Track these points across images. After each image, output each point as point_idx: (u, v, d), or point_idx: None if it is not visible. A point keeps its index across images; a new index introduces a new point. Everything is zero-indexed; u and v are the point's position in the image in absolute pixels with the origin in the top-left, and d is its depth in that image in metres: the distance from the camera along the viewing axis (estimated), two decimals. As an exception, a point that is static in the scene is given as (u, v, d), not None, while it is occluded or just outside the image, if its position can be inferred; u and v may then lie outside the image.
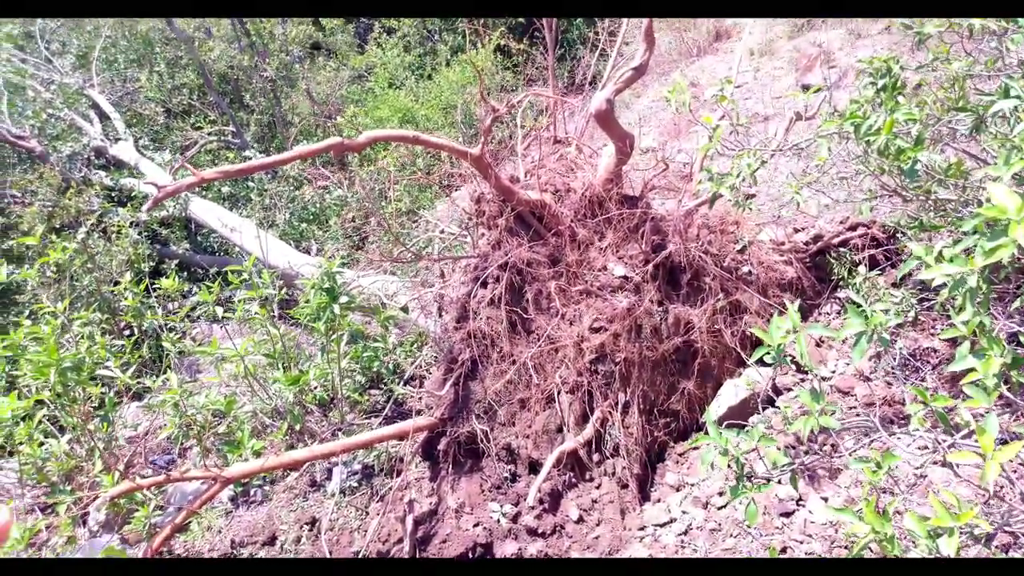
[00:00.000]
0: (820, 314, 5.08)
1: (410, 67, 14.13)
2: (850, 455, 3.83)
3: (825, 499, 3.55)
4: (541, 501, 3.70)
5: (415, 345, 5.47)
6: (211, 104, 11.80)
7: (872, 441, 3.81)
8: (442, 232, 5.51)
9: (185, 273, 8.29)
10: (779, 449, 2.54)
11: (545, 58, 12.66)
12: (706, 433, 2.54)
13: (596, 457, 4.00)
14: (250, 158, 10.41)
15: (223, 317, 5.27)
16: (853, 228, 5.08)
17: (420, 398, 4.80)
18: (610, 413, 4.05)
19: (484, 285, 4.06)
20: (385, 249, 5.26)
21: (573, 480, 3.89)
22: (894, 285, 4.73)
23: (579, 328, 4.05)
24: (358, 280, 5.68)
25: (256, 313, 4.63)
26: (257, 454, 4.29)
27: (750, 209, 3.43)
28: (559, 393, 3.97)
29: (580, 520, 3.70)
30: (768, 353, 2.40)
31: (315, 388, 4.62)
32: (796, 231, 5.32)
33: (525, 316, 4.03)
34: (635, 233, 4.40)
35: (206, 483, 3.70)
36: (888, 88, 3.57)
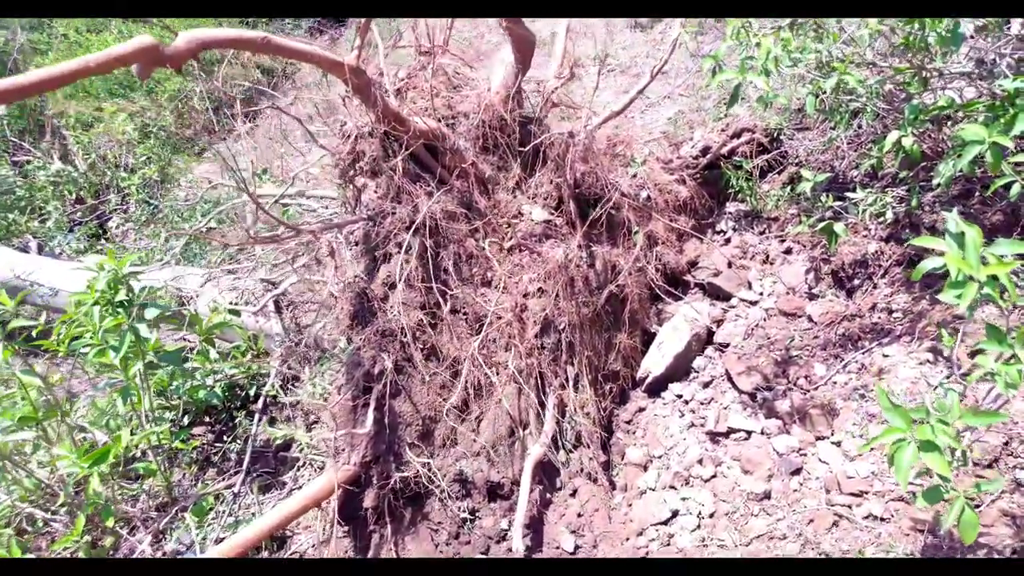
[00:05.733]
0: (715, 233, 4.61)
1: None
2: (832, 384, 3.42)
3: (838, 443, 3.05)
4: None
5: (248, 352, 3.99)
6: None
7: (846, 364, 3.40)
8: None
9: None
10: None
11: None
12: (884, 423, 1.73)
13: (561, 456, 3.09)
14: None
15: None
16: (737, 135, 4.62)
17: (290, 412, 3.48)
18: (565, 394, 3.15)
19: (387, 258, 2.82)
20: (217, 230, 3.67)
21: (547, 495, 2.94)
22: (786, 186, 4.38)
23: (515, 295, 3.04)
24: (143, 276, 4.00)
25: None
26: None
27: (769, 104, 2.64)
28: (505, 385, 2.95)
29: (576, 548, 2.78)
30: (965, 290, 1.61)
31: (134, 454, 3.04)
32: (678, 145, 4.75)
33: (448, 292, 2.89)
34: (545, 164, 3.44)
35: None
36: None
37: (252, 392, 3.91)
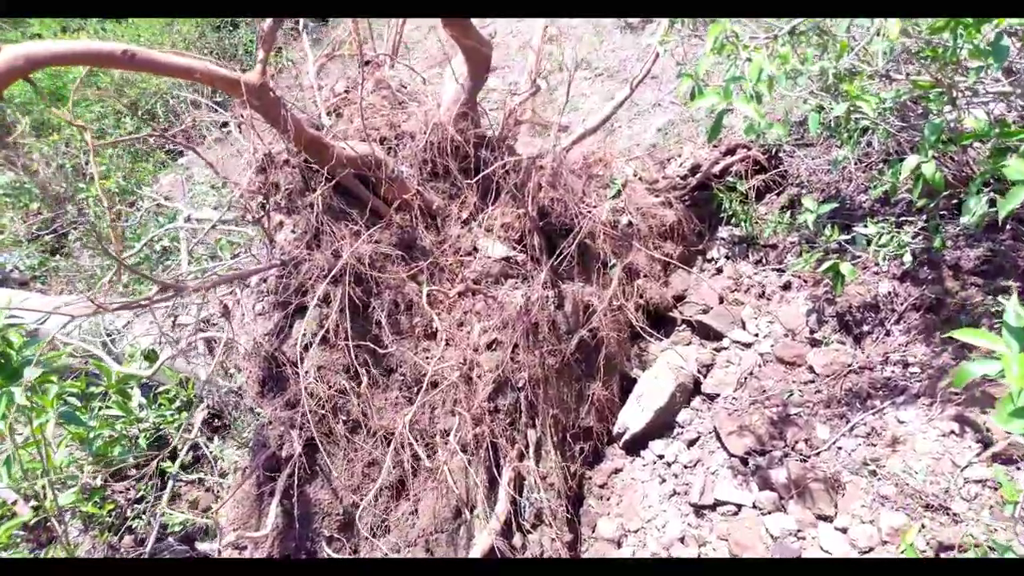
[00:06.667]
0: (706, 261, 4.14)
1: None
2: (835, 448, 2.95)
3: (843, 530, 2.59)
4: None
5: (175, 399, 3.54)
6: None
7: (853, 427, 2.92)
8: (188, 220, 3.58)
9: None
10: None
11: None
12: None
13: (517, 540, 2.62)
14: None
15: None
16: (731, 151, 4.15)
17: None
18: (523, 466, 2.69)
19: (302, 313, 2.36)
20: (107, 275, 3.23)
21: (498, 592, 2.47)
22: (786, 210, 3.90)
23: (463, 350, 2.57)
24: (53, 312, 3.54)
25: None
26: None
27: (761, 135, 2.18)
28: (449, 458, 2.48)
29: (528, 661, 2.32)
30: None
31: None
32: (664, 163, 4.28)
33: (379, 349, 2.43)
34: (505, 192, 2.98)
35: None
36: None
37: (180, 445, 3.46)
